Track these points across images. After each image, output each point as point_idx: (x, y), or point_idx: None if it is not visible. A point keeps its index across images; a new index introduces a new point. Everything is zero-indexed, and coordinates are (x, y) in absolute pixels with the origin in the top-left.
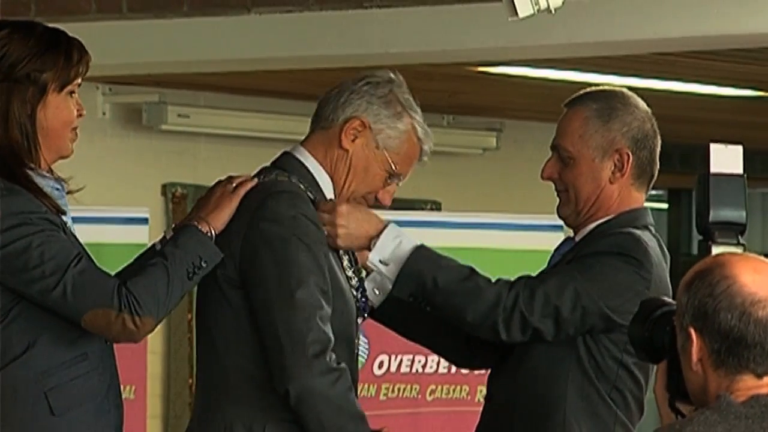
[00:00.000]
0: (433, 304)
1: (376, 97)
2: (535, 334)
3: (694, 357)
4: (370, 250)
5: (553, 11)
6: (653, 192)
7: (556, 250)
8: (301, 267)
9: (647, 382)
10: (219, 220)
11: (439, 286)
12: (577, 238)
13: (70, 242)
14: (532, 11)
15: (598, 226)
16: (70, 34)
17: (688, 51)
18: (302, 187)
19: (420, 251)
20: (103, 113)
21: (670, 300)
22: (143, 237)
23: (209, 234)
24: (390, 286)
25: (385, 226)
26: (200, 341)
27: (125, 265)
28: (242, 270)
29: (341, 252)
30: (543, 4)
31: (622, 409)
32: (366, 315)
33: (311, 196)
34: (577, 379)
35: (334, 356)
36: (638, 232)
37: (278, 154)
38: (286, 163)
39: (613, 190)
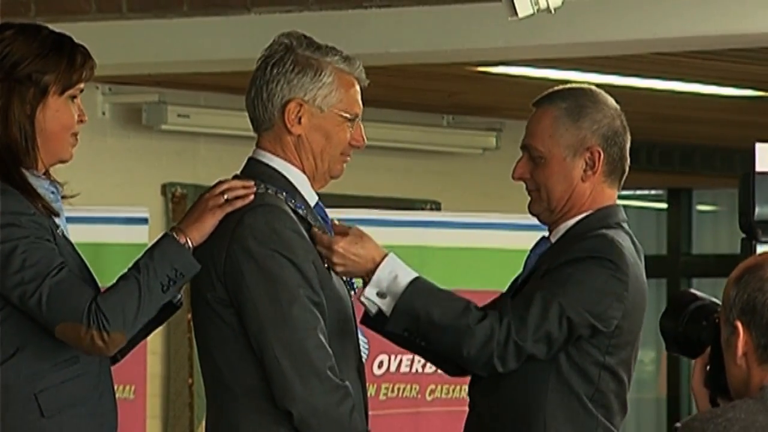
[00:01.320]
0: (427, 339)
1: (288, 72)
2: (529, 358)
3: (740, 351)
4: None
5: (552, 11)
6: (653, 192)
7: (532, 250)
8: (288, 283)
9: (630, 379)
10: (198, 232)
11: (434, 322)
12: (553, 239)
13: (55, 250)
14: (531, 11)
15: (572, 226)
16: (75, 39)
17: (689, 51)
18: (280, 196)
19: (415, 285)
20: (103, 113)
21: (701, 294)
22: (143, 237)
23: (186, 245)
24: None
25: (382, 259)
26: (203, 362)
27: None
28: (229, 290)
29: None
30: (543, 4)
31: (603, 412)
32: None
33: (291, 205)
34: (556, 386)
35: (337, 372)
36: (611, 232)
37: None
38: (259, 171)
39: (585, 188)
